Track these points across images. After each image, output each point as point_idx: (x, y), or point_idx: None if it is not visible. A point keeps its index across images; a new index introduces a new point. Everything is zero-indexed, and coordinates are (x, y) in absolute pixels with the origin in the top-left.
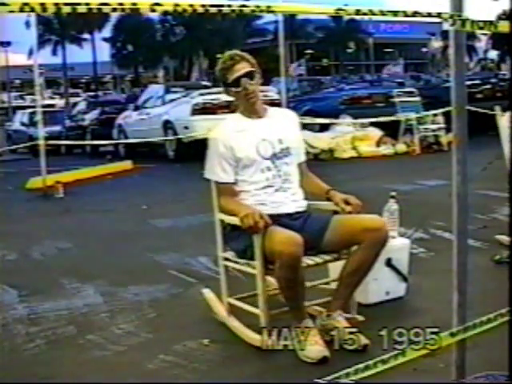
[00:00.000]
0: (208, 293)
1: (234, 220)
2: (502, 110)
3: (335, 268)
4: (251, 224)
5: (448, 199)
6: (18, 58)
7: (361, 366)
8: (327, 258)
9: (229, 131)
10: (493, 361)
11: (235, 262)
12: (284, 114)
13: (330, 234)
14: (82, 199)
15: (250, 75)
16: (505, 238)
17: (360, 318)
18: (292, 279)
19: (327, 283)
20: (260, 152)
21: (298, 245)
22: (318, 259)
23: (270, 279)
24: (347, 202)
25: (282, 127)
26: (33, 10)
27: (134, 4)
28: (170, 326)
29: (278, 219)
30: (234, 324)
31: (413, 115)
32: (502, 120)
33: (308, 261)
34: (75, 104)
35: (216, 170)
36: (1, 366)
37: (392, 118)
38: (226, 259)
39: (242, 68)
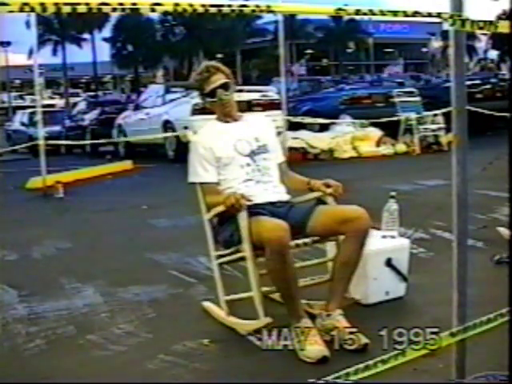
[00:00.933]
0: (208, 305)
1: (220, 208)
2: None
3: (333, 248)
4: (233, 201)
5: (448, 199)
6: (18, 58)
7: (361, 366)
8: (315, 238)
9: (207, 134)
10: (493, 361)
11: (227, 255)
12: (259, 118)
13: (313, 221)
14: (82, 199)
15: (225, 86)
16: (505, 231)
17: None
18: (283, 268)
19: (325, 262)
20: (238, 150)
21: (285, 230)
22: (306, 240)
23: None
24: (328, 186)
25: (257, 128)
26: (33, 9)
27: (134, 4)
28: (169, 326)
29: (263, 207)
30: (233, 320)
31: (413, 115)
32: None
33: (296, 241)
34: (75, 104)
35: (198, 171)
36: (1, 366)
37: (392, 118)
38: (219, 256)
39: (218, 79)
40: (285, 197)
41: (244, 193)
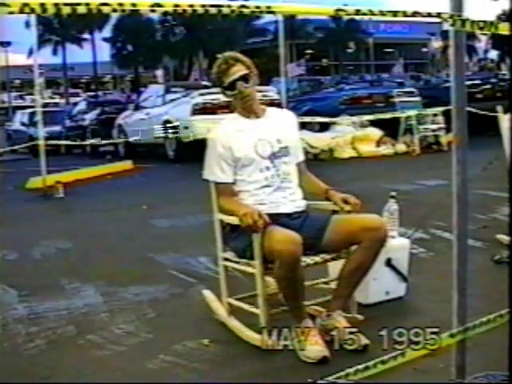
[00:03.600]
0: (208, 294)
1: (234, 220)
2: (504, 111)
3: (335, 267)
4: (250, 223)
5: (448, 199)
6: (17, 58)
7: (361, 366)
8: (326, 257)
9: (227, 131)
10: (493, 361)
11: (235, 262)
12: (282, 114)
13: (329, 233)
14: (82, 199)
15: (244, 78)
16: (505, 238)
17: (360, 317)
18: (291, 278)
19: (327, 282)
20: (258, 151)
21: (297, 244)
22: (317, 258)
23: (270, 279)
24: (346, 202)
25: (280, 127)
26: (33, 10)
27: (134, 4)
28: (169, 326)
29: (277, 219)
30: (234, 324)
31: (413, 113)
32: (504, 120)
33: (307, 260)
34: (75, 104)
35: (215, 170)
36: (1, 366)
37: (391, 115)
38: (226, 259)
39: (237, 71)
40: (301, 204)
41: (261, 200)
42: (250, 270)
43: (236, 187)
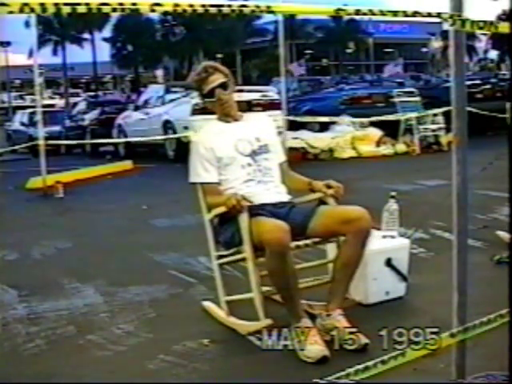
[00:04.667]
0: (208, 305)
1: (221, 208)
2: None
3: (333, 249)
4: (234, 203)
5: (448, 199)
6: (18, 58)
7: (361, 366)
8: (316, 240)
9: (208, 134)
10: (493, 361)
11: (227, 256)
12: (260, 118)
13: (314, 222)
14: (82, 199)
15: (223, 86)
16: (505, 235)
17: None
18: (283, 268)
19: (326, 263)
20: (239, 150)
21: (285, 231)
22: (306, 241)
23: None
24: (329, 186)
25: (258, 128)
26: (33, 10)
27: (134, 4)
28: (170, 325)
29: (263, 208)
30: (233, 321)
31: (413, 114)
32: None
33: (297, 242)
34: (75, 104)
35: (199, 171)
36: (1, 366)
37: (392, 118)
38: (219, 257)
39: (216, 79)
40: (286, 197)
41: (245, 193)
42: (240, 256)
43: (221, 187)
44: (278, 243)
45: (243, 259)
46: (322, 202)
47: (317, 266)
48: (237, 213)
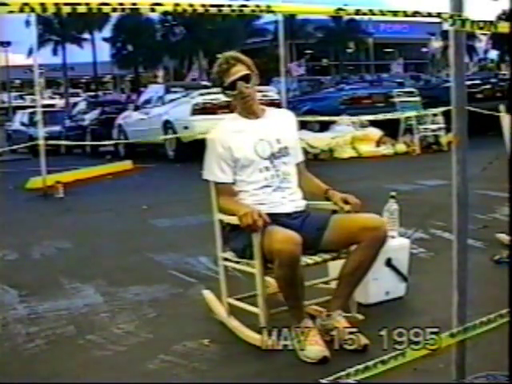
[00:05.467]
0: (208, 294)
1: (233, 219)
2: (507, 110)
3: (335, 267)
4: (250, 222)
5: (448, 199)
6: (17, 58)
7: (361, 366)
8: (326, 256)
9: (226, 132)
10: (493, 361)
11: (235, 262)
12: (282, 114)
13: (329, 233)
14: (82, 199)
15: (245, 78)
16: (505, 237)
17: (360, 316)
18: (291, 278)
19: (327, 282)
20: (258, 152)
21: (297, 243)
22: (317, 258)
23: (270, 279)
24: (346, 201)
25: (279, 127)
26: (33, 10)
27: (134, 4)
28: (170, 326)
29: (277, 218)
30: (234, 324)
31: (413, 113)
32: (505, 119)
33: (307, 260)
34: (75, 104)
35: (214, 170)
36: (1, 366)
37: (392, 116)
38: (226, 259)
39: (238, 71)
40: (301, 204)
41: (261, 200)
42: (249, 269)
43: (236, 187)
44: (288, 255)
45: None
46: (334, 210)
47: (320, 283)
48: (252, 231)
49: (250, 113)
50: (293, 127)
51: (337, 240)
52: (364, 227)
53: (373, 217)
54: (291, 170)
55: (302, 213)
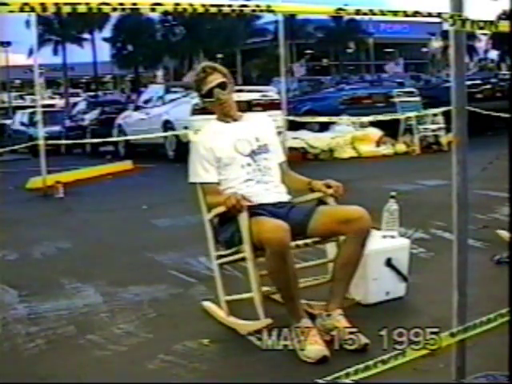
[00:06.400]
0: (208, 305)
1: (220, 208)
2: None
3: (333, 249)
4: (234, 203)
5: (448, 199)
6: (17, 58)
7: (361, 366)
8: (315, 239)
9: (207, 134)
10: (493, 361)
11: (227, 256)
12: (259, 117)
13: (314, 222)
14: (82, 199)
15: (222, 86)
16: (506, 234)
17: (356, 298)
18: (283, 267)
19: (325, 264)
20: (238, 150)
21: (285, 231)
22: (306, 240)
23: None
24: (328, 186)
25: (257, 128)
26: (33, 9)
27: (134, 4)
28: (169, 326)
29: (263, 208)
30: (234, 321)
31: (413, 113)
32: None
33: (297, 242)
34: (75, 104)
35: (199, 171)
36: (1, 366)
37: (392, 117)
38: (219, 257)
39: (215, 79)
40: (285, 197)
41: (245, 193)
42: (240, 256)
43: (221, 187)
44: (278, 243)
45: (243, 259)
46: (321, 201)
47: (317, 265)
48: (236, 212)
49: (227, 117)
50: (270, 129)
51: (321, 230)
52: (345, 220)
53: (355, 208)
54: (273, 165)
55: (287, 203)
